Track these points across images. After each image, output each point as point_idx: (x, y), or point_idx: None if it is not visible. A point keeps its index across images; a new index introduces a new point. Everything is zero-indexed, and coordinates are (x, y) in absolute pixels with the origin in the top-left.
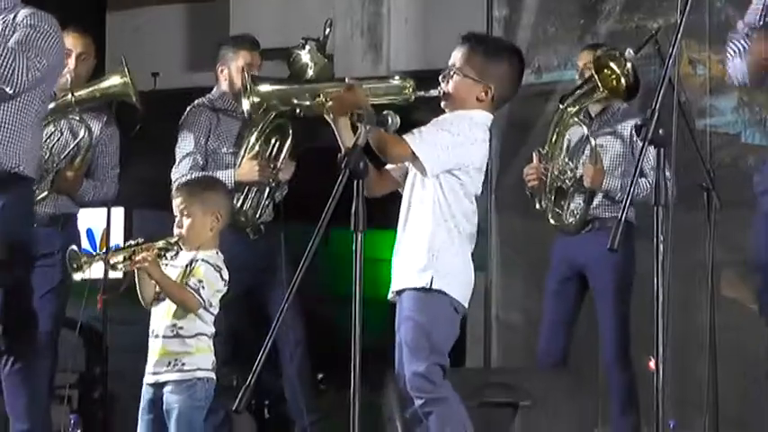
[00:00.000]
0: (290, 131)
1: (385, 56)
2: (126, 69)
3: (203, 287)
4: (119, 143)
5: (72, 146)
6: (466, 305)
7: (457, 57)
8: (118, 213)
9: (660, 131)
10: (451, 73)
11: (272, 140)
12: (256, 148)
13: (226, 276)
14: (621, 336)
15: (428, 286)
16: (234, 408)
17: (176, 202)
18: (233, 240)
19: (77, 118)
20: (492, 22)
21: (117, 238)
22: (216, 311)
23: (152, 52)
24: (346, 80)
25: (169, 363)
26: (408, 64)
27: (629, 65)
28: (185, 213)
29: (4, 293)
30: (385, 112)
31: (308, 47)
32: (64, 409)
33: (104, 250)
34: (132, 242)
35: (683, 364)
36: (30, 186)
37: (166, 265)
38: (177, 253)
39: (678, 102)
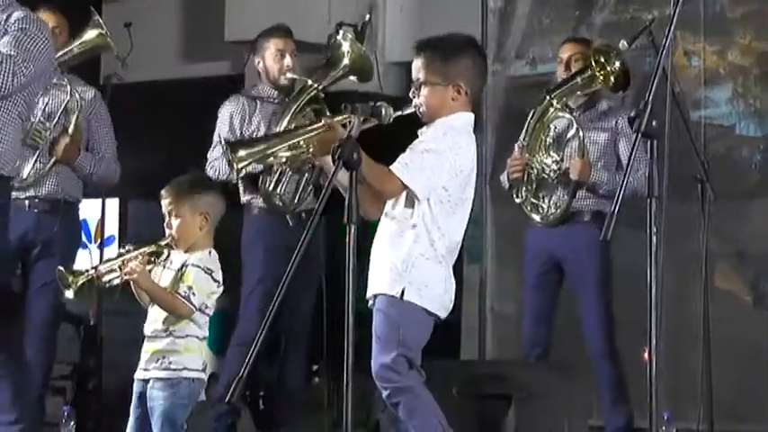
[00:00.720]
0: (327, 113)
1: (380, 46)
2: (100, 21)
3: (194, 293)
4: (110, 121)
5: (60, 111)
6: (442, 315)
7: (417, 68)
8: (112, 204)
9: (653, 123)
10: (419, 85)
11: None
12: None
13: (219, 277)
14: (607, 328)
15: (398, 296)
16: (226, 399)
17: (164, 203)
18: (269, 224)
19: (63, 82)
20: (487, 13)
21: (111, 228)
22: (211, 312)
23: (147, 43)
24: (323, 120)
25: (157, 360)
26: (403, 54)
27: (619, 60)
28: (174, 214)
29: None
30: (379, 104)
31: (342, 32)
32: (57, 400)
33: (93, 266)
34: (122, 250)
35: (677, 356)
36: (7, 185)
37: (164, 267)
38: (168, 255)
39: (672, 93)
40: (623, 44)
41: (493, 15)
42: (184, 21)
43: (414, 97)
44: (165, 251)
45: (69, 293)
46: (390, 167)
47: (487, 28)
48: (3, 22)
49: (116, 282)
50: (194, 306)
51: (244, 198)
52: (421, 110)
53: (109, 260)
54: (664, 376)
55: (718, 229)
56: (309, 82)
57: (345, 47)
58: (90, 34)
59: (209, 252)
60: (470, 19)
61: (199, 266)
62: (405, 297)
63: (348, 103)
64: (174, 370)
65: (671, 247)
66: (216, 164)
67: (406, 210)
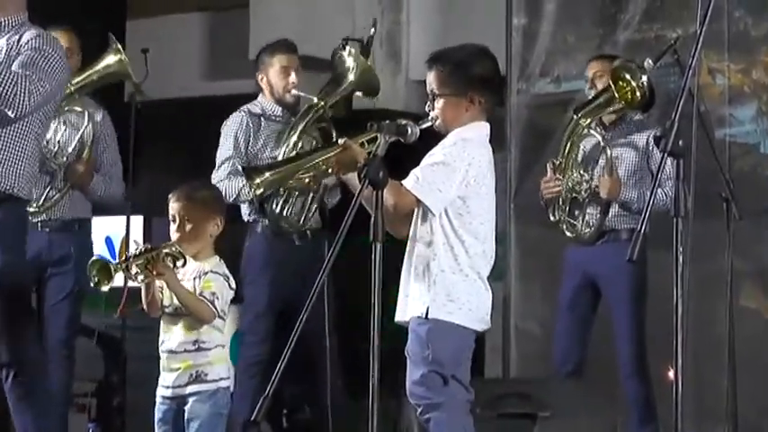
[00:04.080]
0: (333, 134)
1: (404, 65)
2: (119, 47)
3: (217, 298)
4: (116, 140)
5: (77, 138)
6: (478, 328)
7: (430, 81)
8: (137, 221)
9: (680, 142)
10: (433, 98)
11: (314, 143)
12: (297, 148)
13: (233, 285)
14: (638, 347)
15: (423, 315)
16: (252, 418)
17: (176, 207)
18: (275, 243)
19: (78, 109)
20: (511, 31)
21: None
22: (228, 319)
23: (171, 61)
24: (339, 141)
25: (191, 375)
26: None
27: (644, 77)
28: (187, 218)
29: (3, 307)
30: (404, 122)
31: (348, 48)
32: (81, 418)
33: (124, 258)
34: (141, 248)
35: (702, 374)
36: (24, 206)
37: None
38: (185, 261)
39: (698, 112)
40: (648, 63)
41: (517, 33)
42: (209, 38)
43: (429, 110)
44: (180, 255)
45: (105, 287)
46: (402, 182)
47: (512, 46)
48: (15, 44)
49: (146, 280)
50: (218, 311)
51: (248, 217)
52: (437, 122)
53: (138, 256)
54: (689, 395)
55: (742, 247)
56: (315, 99)
57: (350, 62)
58: (109, 60)
59: (219, 259)
60: (495, 37)
61: (218, 273)
62: (430, 315)
63: (374, 121)
64: (212, 381)
65: (695, 265)
66: (222, 185)
67: (423, 227)
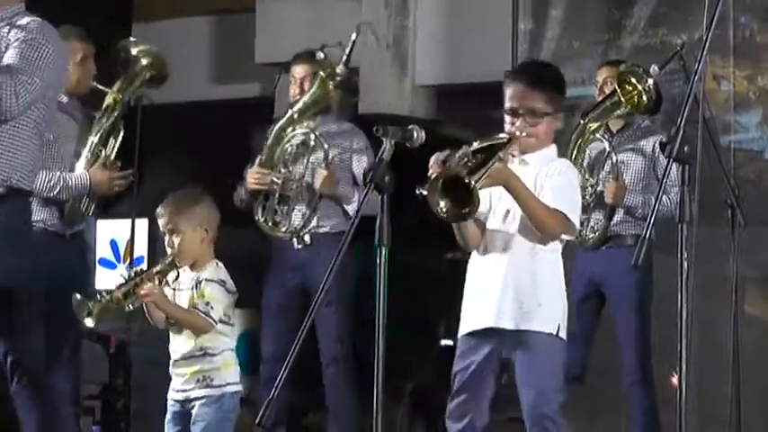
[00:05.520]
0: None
1: (410, 69)
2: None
3: (212, 307)
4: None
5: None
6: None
7: (530, 98)
8: (142, 224)
9: (685, 148)
10: (527, 113)
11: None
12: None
13: (232, 287)
14: (643, 354)
15: (555, 333)
16: (257, 421)
17: (162, 222)
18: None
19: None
20: (517, 36)
21: (141, 249)
22: (234, 321)
23: (177, 64)
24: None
25: (198, 380)
26: (433, 77)
27: (650, 81)
28: (174, 231)
29: (11, 309)
30: (411, 127)
31: (319, 56)
32: (86, 420)
33: (108, 291)
34: (132, 274)
35: (706, 381)
36: (25, 198)
37: (174, 289)
38: (178, 275)
39: (703, 118)
40: (654, 69)
41: (523, 38)
42: (215, 42)
43: (512, 125)
44: (173, 269)
45: (90, 322)
46: (555, 207)
47: (518, 51)
48: (5, 36)
49: (134, 305)
50: (214, 320)
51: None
52: (527, 139)
53: (122, 285)
54: (692, 402)
55: (747, 253)
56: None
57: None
58: (140, 65)
59: (217, 264)
60: (501, 42)
61: (213, 280)
62: (560, 333)
63: (379, 126)
64: (218, 386)
65: (700, 271)
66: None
67: (524, 232)
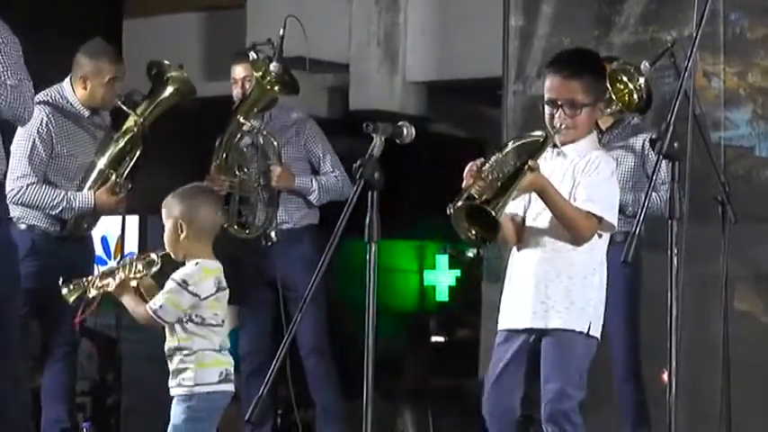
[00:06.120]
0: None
1: (401, 66)
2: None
3: (160, 306)
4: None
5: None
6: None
7: (569, 90)
8: (132, 221)
9: (675, 145)
10: (569, 105)
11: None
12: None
13: (198, 290)
14: (633, 351)
15: (585, 332)
16: (246, 418)
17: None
18: (249, 249)
19: None
20: (508, 33)
21: (131, 245)
22: (215, 321)
23: (168, 60)
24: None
25: (174, 378)
26: (424, 74)
27: (642, 79)
28: (163, 225)
29: None
30: (401, 124)
31: (251, 56)
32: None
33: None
34: (118, 264)
35: (696, 378)
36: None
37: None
38: (161, 267)
39: (693, 115)
40: (645, 65)
41: (514, 35)
42: (205, 39)
43: (557, 118)
44: (157, 262)
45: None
46: (582, 207)
47: (508, 47)
48: None
49: (95, 293)
50: (160, 318)
51: None
52: (569, 131)
53: (102, 273)
54: (682, 399)
55: (737, 250)
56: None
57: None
58: (168, 92)
59: (196, 263)
60: (491, 38)
61: (174, 279)
62: (591, 332)
63: (370, 122)
64: (187, 386)
65: (690, 268)
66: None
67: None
